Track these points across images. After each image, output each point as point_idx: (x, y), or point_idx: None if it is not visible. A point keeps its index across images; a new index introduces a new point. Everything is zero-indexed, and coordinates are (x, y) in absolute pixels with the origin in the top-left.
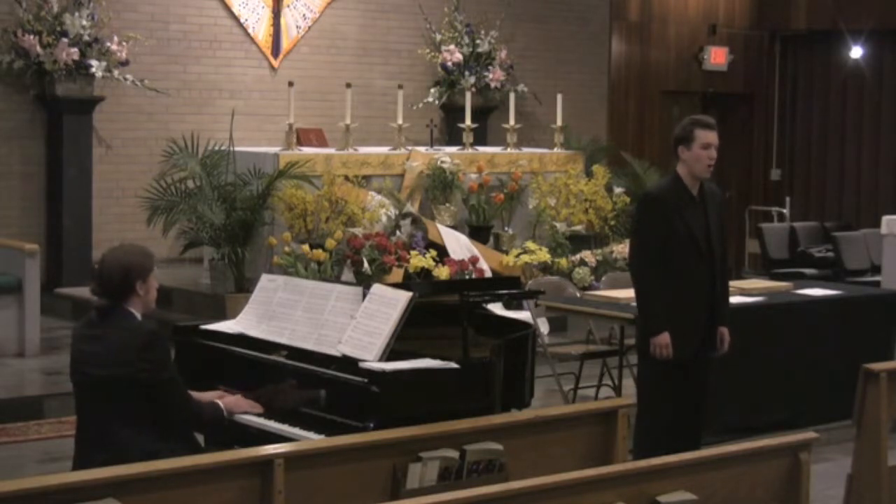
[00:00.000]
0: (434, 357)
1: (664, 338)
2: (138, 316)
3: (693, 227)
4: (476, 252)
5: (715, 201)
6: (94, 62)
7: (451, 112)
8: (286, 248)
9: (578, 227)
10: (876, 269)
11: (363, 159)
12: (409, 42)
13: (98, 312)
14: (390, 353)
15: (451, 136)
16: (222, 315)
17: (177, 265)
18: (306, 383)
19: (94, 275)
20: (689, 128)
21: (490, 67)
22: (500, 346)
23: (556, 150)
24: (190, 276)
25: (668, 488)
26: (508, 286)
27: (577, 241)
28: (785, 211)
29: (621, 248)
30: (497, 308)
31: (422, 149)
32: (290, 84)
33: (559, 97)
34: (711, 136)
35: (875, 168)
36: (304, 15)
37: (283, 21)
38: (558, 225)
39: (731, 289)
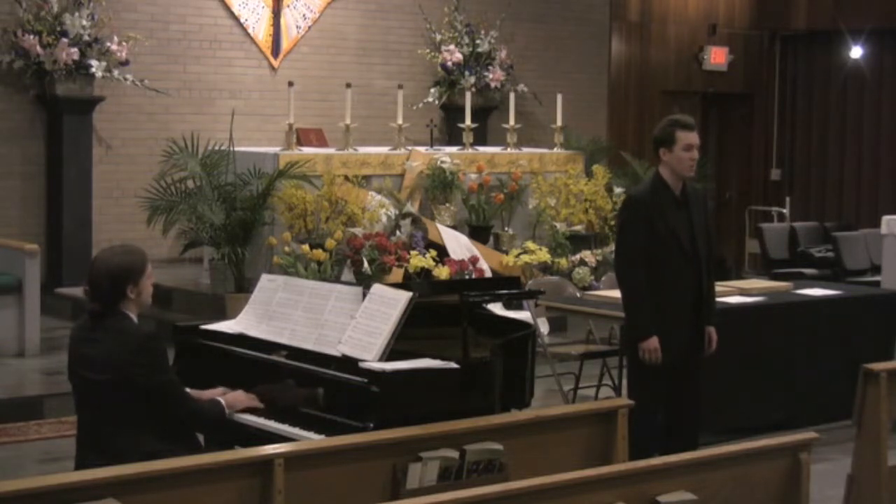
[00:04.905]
0: (434, 357)
1: (653, 342)
2: (133, 318)
3: (677, 228)
4: (476, 252)
5: (698, 201)
6: (94, 62)
7: (451, 112)
8: (286, 248)
9: (578, 228)
10: (876, 269)
11: (363, 159)
12: (409, 42)
13: (91, 317)
14: (390, 353)
15: (451, 135)
16: (222, 315)
17: (177, 265)
18: (306, 383)
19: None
20: (669, 129)
21: (490, 67)
22: (499, 347)
23: (556, 150)
24: (190, 276)
25: (668, 488)
26: (508, 286)
27: (577, 241)
28: (785, 211)
29: None
30: (497, 308)
31: (422, 149)
32: (290, 84)
33: (559, 97)
34: (692, 138)
35: (875, 168)
36: (304, 15)
37: (283, 21)
38: (558, 225)
39: (731, 289)
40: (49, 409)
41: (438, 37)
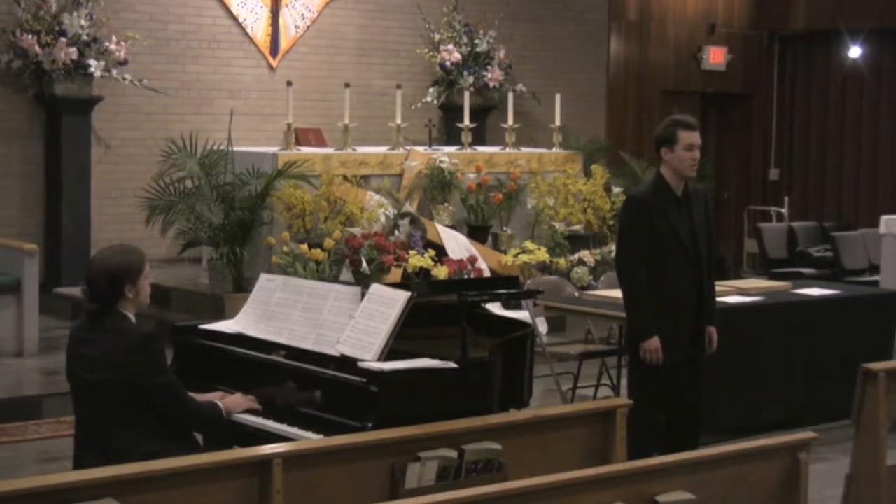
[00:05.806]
0: (433, 357)
1: (654, 342)
2: (132, 317)
3: (678, 228)
4: (475, 252)
5: (699, 201)
6: (92, 62)
7: (450, 112)
8: (285, 248)
9: (577, 227)
10: (874, 269)
11: (362, 159)
12: (408, 42)
13: (89, 317)
14: (389, 353)
15: (450, 135)
16: (221, 315)
17: (175, 265)
18: (305, 383)
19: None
20: (670, 129)
21: (489, 67)
22: (498, 346)
23: (554, 149)
24: (188, 276)
25: (668, 488)
26: (507, 286)
27: (576, 241)
28: (783, 211)
29: None
30: (496, 308)
31: (420, 148)
32: (289, 84)
33: (558, 97)
34: (694, 137)
35: (874, 168)
36: (302, 15)
37: (281, 21)
38: (557, 225)
39: (730, 289)
40: (48, 408)
41: (437, 36)
